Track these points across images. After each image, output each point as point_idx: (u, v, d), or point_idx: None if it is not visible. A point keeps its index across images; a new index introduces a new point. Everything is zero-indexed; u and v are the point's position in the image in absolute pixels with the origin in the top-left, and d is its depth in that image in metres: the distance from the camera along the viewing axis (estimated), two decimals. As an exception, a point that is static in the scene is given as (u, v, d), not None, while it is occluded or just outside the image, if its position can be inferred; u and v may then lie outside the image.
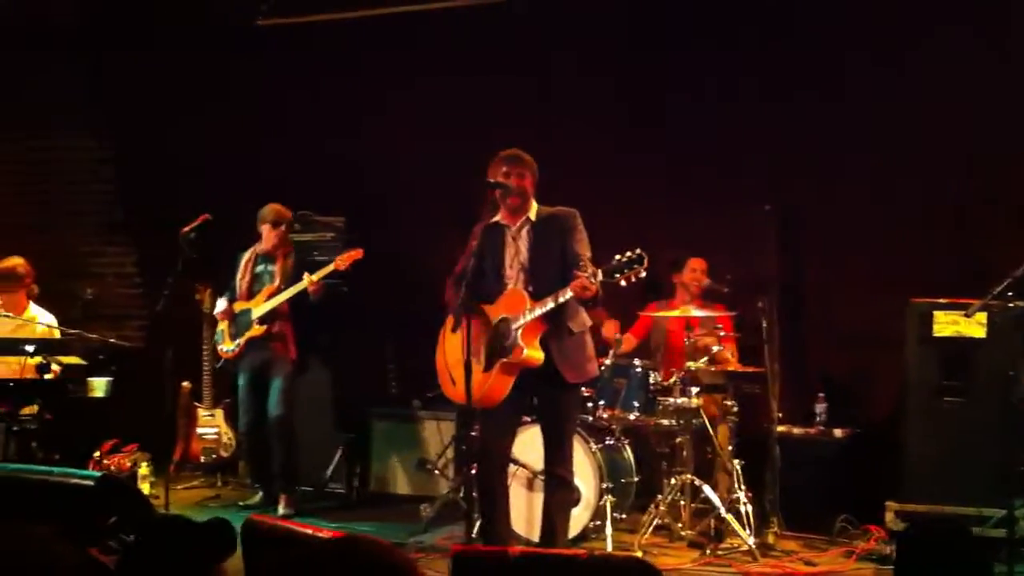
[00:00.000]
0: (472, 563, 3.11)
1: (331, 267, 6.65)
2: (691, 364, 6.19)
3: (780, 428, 6.30)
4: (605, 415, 6.33)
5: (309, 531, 3.14)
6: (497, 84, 7.48)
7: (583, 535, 6.01)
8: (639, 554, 5.58)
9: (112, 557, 2.95)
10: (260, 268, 7.00)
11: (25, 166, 8.51)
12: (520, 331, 4.97)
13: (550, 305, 4.90)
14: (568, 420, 5.28)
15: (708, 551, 5.90)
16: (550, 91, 7.54)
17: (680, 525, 6.16)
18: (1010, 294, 5.41)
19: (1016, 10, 6.51)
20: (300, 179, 7.93)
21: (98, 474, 5.18)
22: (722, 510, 5.95)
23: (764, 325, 6.18)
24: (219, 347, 7.05)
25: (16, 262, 6.72)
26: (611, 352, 6.44)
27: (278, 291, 6.82)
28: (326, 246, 7.39)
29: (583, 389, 5.77)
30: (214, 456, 7.42)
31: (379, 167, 7.93)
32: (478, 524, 5.31)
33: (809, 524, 6.19)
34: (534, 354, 4.99)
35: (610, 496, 5.97)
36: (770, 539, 5.98)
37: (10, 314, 6.63)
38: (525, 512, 5.86)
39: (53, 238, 8.44)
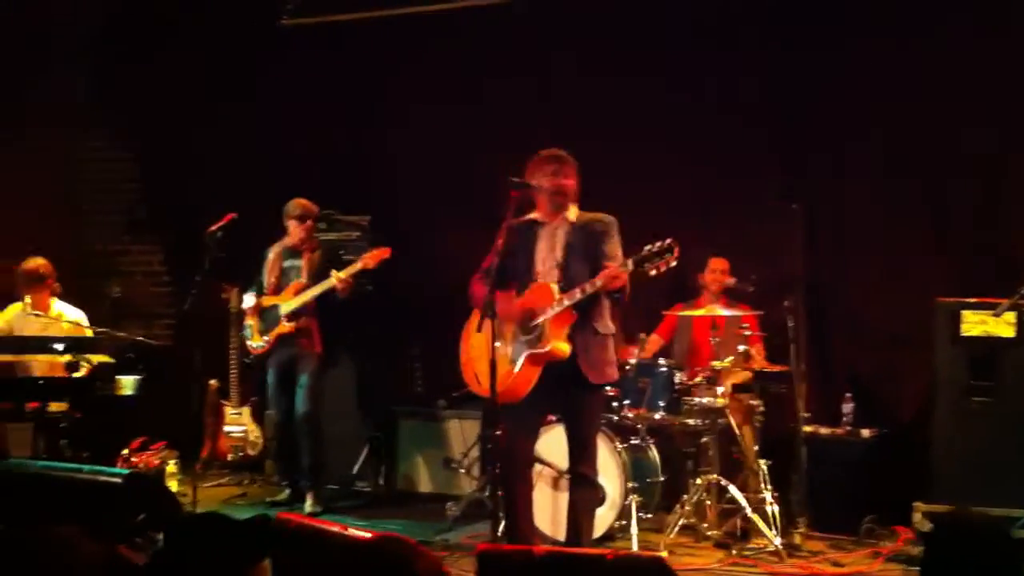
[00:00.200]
0: (497, 562, 3.12)
1: (359, 265, 6.66)
2: (716, 364, 6.18)
3: (807, 428, 6.27)
4: (630, 415, 6.32)
5: (336, 529, 3.16)
6: (515, 85, 7.50)
7: (609, 535, 6.01)
8: (664, 554, 5.57)
9: (140, 554, 2.97)
10: (287, 263, 7.03)
11: (52, 165, 8.56)
12: (548, 323, 4.96)
13: (578, 295, 4.89)
14: (591, 420, 5.27)
15: (734, 551, 5.89)
16: (550, 91, 7.54)
17: (706, 525, 6.15)
18: (1039, 293, 5.38)
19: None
20: (326, 178, 7.97)
21: (126, 472, 5.24)
22: (748, 510, 5.94)
23: (790, 324, 6.16)
24: (248, 343, 7.08)
25: (39, 262, 6.79)
26: (636, 352, 6.44)
27: (306, 287, 6.85)
28: (352, 245, 7.42)
29: (607, 389, 5.76)
30: (241, 454, 7.46)
31: (404, 165, 7.96)
32: (503, 523, 5.32)
33: (836, 525, 6.17)
34: (561, 346, 4.97)
35: (635, 496, 5.97)
36: (796, 539, 5.95)
37: (39, 312, 6.71)
38: (550, 511, 5.86)
39: (80, 237, 8.51)
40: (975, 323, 5.97)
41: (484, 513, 6.08)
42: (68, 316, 6.80)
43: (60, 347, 6.30)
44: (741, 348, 6.26)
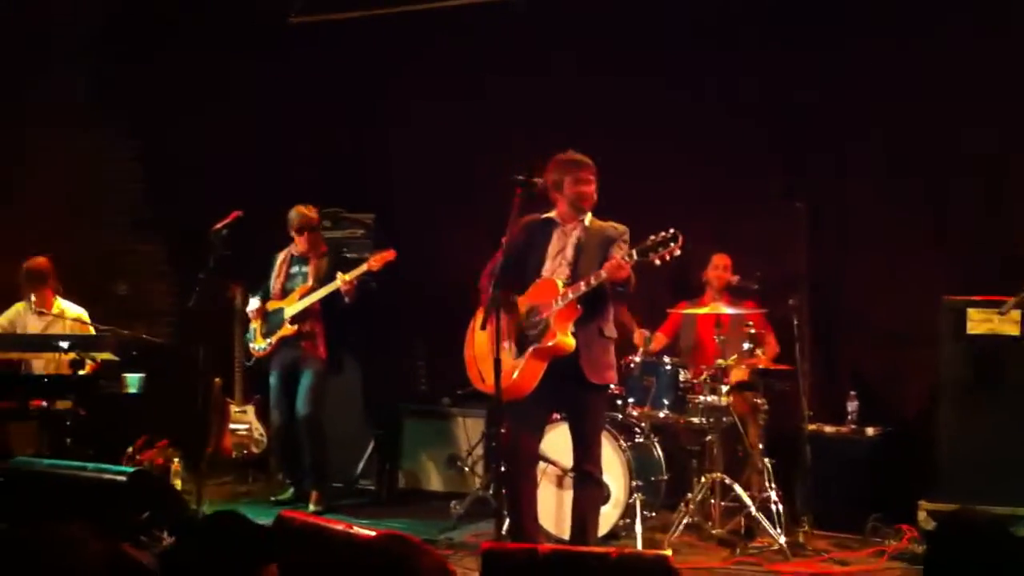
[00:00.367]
0: (502, 560, 3.11)
1: (364, 268, 6.68)
2: (721, 362, 6.18)
3: (811, 426, 6.28)
4: (635, 413, 6.32)
5: (340, 527, 3.16)
6: (517, 84, 7.50)
7: (613, 533, 6.01)
8: (669, 552, 5.55)
9: (145, 552, 2.97)
10: (295, 269, 7.07)
11: (56, 165, 8.56)
12: (553, 317, 4.96)
13: (583, 288, 4.89)
14: (595, 418, 5.26)
15: (739, 550, 5.89)
16: (551, 90, 7.52)
17: (710, 524, 6.15)
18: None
19: None
20: (327, 176, 7.96)
21: (131, 470, 5.24)
22: (752, 508, 5.93)
23: (795, 323, 6.15)
24: (251, 345, 7.10)
25: (41, 261, 6.85)
26: (640, 350, 6.44)
27: (311, 291, 6.86)
28: (356, 243, 7.43)
29: (611, 387, 5.76)
30: (245, 452, 7.46)
31: (406, 164, 7.96)
32: (507, 521, 5.31)
33: (840, 523, 6.17)
34: (566, 340, 4.96)
35: (640, 494, 5.97)
36: (801, 538, 5.95)
37: (44, 310, 6.74)
38: (555, 510, 5.86)
39: (86, 236, 8.51)
40: (980, 321, 5.96)
41: (488, 511, 6.08)
42: (70, 313, 6.84)
43: (65, 345, 6.32)
44: (747, 346, 6.24)
